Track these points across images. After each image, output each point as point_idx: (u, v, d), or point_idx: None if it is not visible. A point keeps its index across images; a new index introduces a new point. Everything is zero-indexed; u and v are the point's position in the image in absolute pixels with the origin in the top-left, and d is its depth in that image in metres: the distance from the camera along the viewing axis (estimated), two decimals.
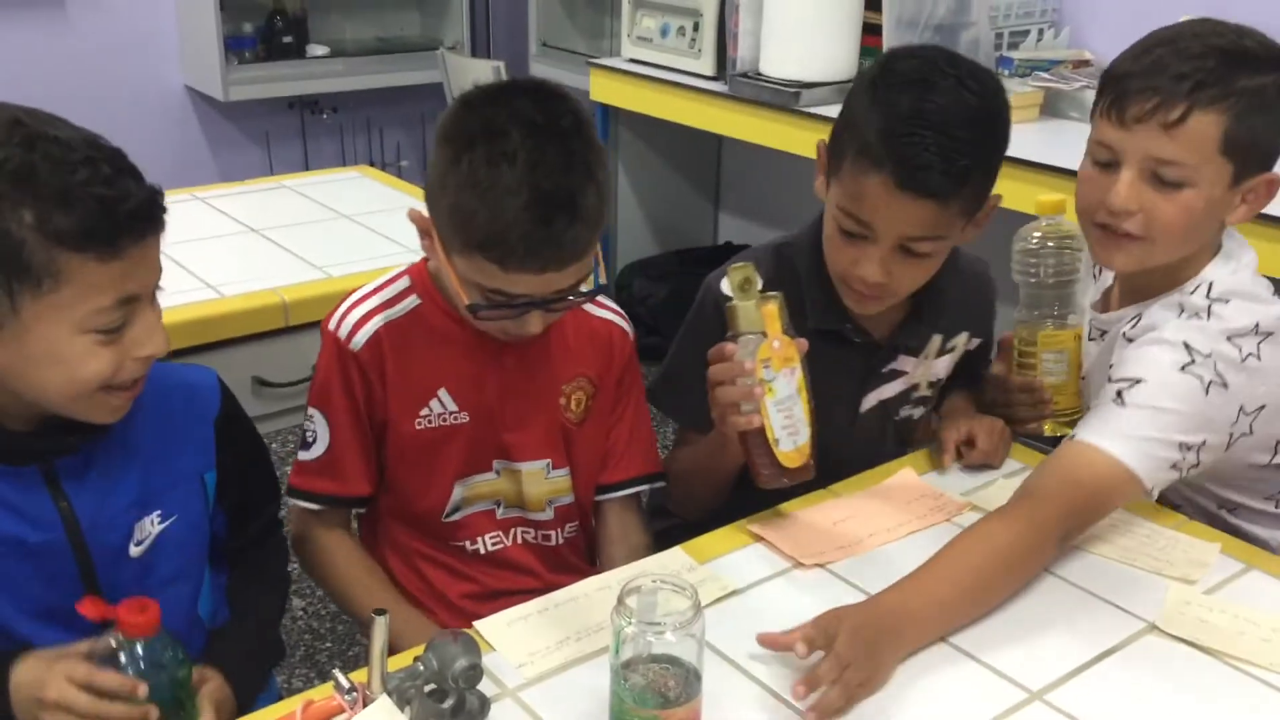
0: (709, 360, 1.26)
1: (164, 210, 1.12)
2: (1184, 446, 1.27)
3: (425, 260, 1.39)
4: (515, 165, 1.18)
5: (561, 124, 1.22)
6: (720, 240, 4.17)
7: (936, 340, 1.49)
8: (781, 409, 1.23)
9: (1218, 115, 1.24)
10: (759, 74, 3.14)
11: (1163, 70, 1.26)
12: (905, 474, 1.45)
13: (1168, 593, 1.23)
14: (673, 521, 1.56)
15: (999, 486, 1.44)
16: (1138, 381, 1.28)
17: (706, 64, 3.32)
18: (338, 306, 1.38)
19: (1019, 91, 2.81)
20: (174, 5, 4.10)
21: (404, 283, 1.38)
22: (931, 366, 1.51)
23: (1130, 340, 1.35)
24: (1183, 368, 1.27)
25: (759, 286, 1.23)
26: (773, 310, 1.23)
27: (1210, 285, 1.33)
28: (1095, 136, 1.33)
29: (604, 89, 3.59)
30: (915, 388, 1.52)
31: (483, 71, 4.02)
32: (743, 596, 1.22)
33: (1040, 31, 3.08)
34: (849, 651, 1.05)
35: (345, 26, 4.45)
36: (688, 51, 3.38)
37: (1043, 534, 1.23)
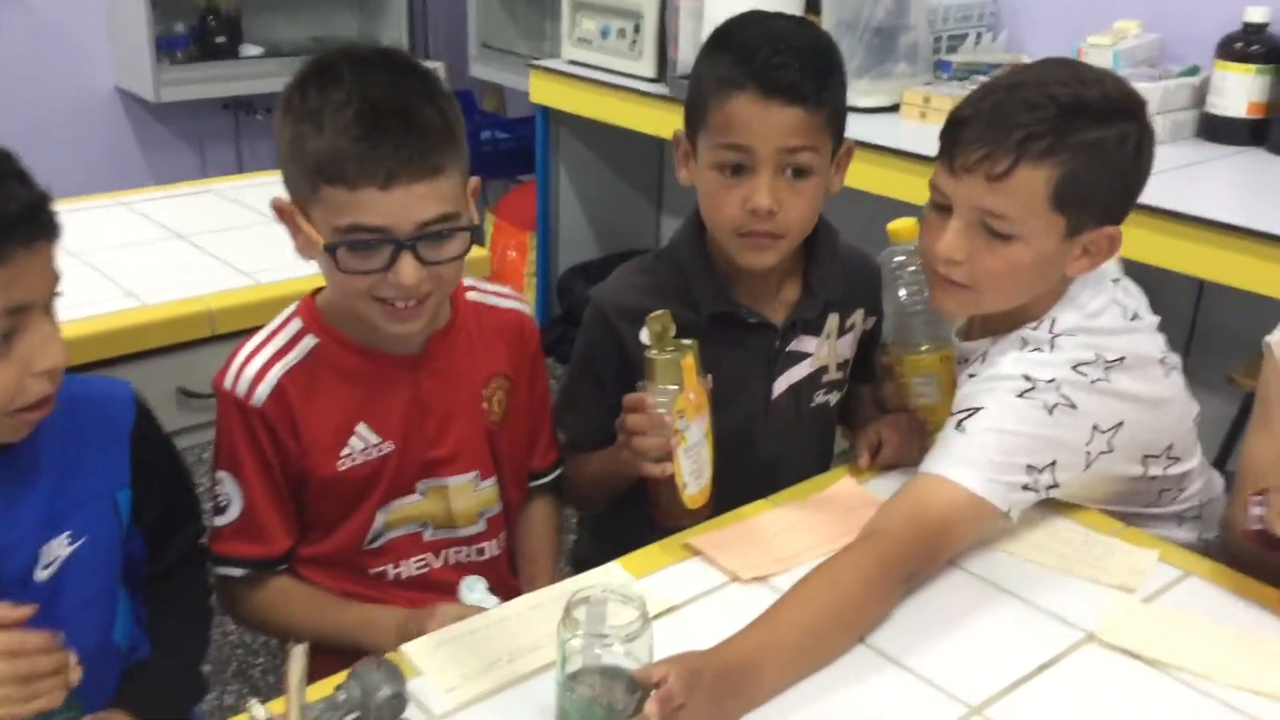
0: (625, 407, 1.29)
1: (53, 215, 1.08)
2: (1032, 469, 1.25)
3: (313, 296, 1.35)
4: (343, 86, 1.19)
5: (396, 58, 1.24)
6: (663, 243, 4.14)
7: (834, 319, 1.49)
8: (690, 455, 1.27)
9: (1048, 169, 1.22)
10: None
11: (996, 118, 1.23)
12: (845, 483, 1.44)
13: (1106, 602, 1.22)
14: (591, 554, 1.55)
15: None
16: (976, 410, 1.26)
17: (647, 66, 3.29)
18: (229, 363, 1.32)
19: (957, 95, 2.80)
20: (103, 4, 4.00)
21: (295, 325, 1.33)
22: (836, 347, 1.51)
23: (972, 376, 1.33)
24: (1021, 394, 1.26)
25: (673, 333, 1.25)
26: (691, 363, 1.25)
27: (1054, 322, 1.32)
28: (933, 180, 1.30)
29: (544, 91, 3.55)
30: (824, 370, 1.51)
31: None
32: (681, 613, 1.20)
33: (979, 35, 3.09)
34: (698, 714, 0.98)
35: (280, 27, 4.37)
36: (628, 53, 3.35)
37: (887, 576, 1.19)
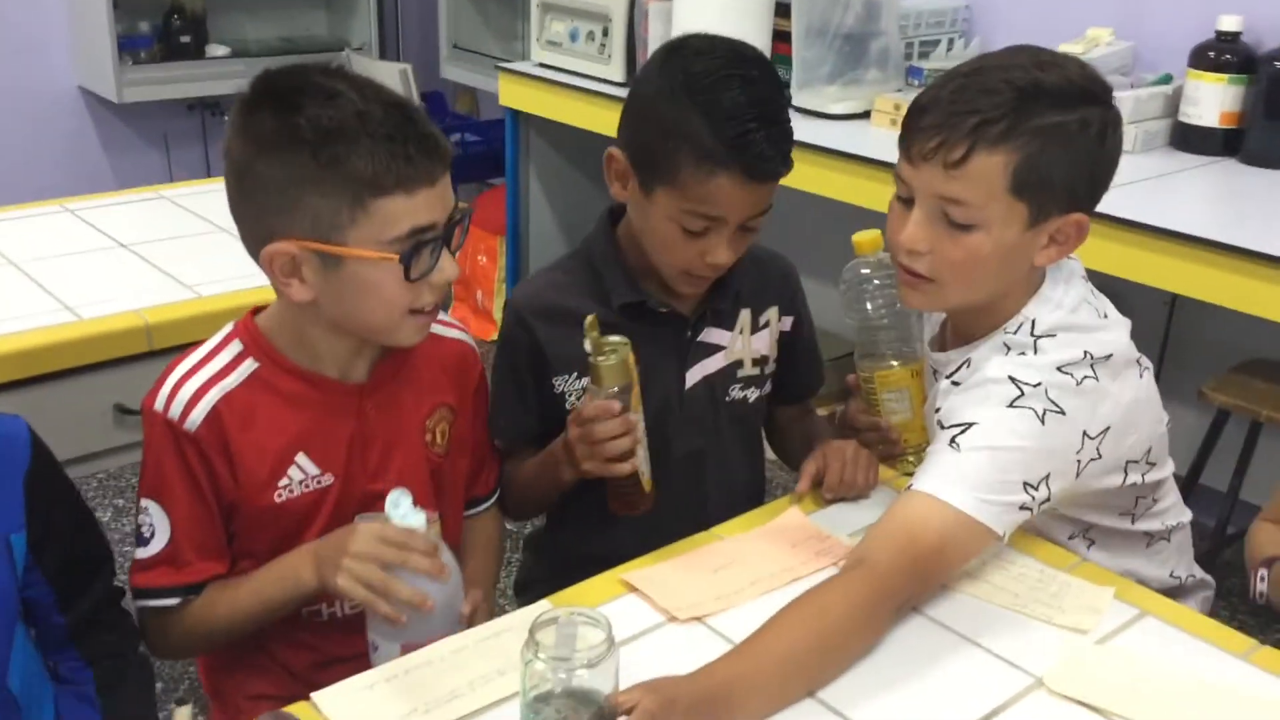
0: (586, 418, 1.29)
1: None
2: (1028, 486, 1.21)
3: (253, 314, 1.29)
4: (347, 98, 1.15)
5: (344, 69, 1.22)
6: None
7: (746, 315, 1.49)
8: (643, 445, 1.30)
9: (1004, 155, 1.18)
10: None
11: (954, 105, 1.20)
12: (791, 514, 1.38)
13: (1059, 644, 1.17)
14: (538, 571, 1.53)
15: None
16: (969, 425, 1.22)
17: (616, 69, 3.24)
18: (161, 383, 1.25)
19: None
20: (65, 3, 3.93)
21: (235, 348, 1.27)
22: (751, 342, 1.50)
23: (957, 385, 1.30)
24: (1012, 402, 1.22)
25: (599, 333, 1.27)
26: (631, 356, 1.26)
27: (1033, 323, 1.28)
28: (896, 169, 1.28)
29: (513, 94, 3.50)
30: (739, 365, 1.50)
31: (388, 74, 3.90)
32: None
33: (950, 41, 3.04)
34: None
35: (247, 26, 4.31)
36: (597, 57, 3.30)
37: (880, 602, 1.15)
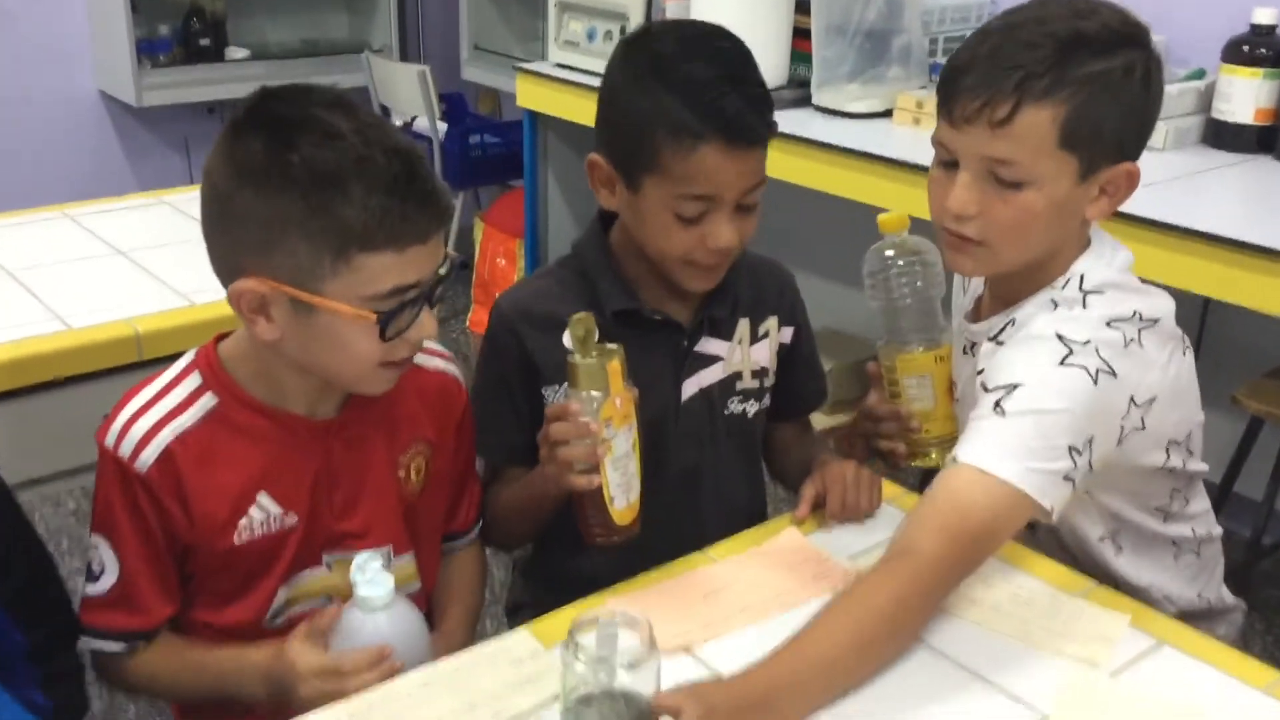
0: (548, 416, 1.19)
1: None
2: (1073, 451, 1.16)
3: (215, 343, 1.23)
4: (347, 141, 1.07)
5: (352, 103, 1.14)
6: None
7: (744, 325, 1.43)
8: (618, 467, 1.19)
9: (1052, 108, 1.15)
10: None
11: (994, 62, 1.17)
12: (788, 534, 1.32)
13: (1069, 677, 1.10)
14: (528, 594, 1.46)
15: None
16: (1015, 387, 1.17)
17: None
18: (114, 417, 1.19)
19: None
20: (85, 8, 3.93)
21: (193, 381, 1.20)
22: (750, 354, 1.43)
23: (1001, 344, 1.25)
24: (1062, 360, 1.18)
25: (596, 337, 1.16)
26: (617, 367, 1.16)
27: (1082, 278, 1.24)
28: (934, 135, 1.24)
29: (531, 95, 3.45)
30: (738, 377, 1.44)
31: (407, 76, 3.87)
32: None
33: None
34: None
35: (267, 28, 4.29)
36: None
37: (927, 594, 1.12)
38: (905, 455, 1.42)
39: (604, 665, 0.92)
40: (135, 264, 1.99)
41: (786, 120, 2.79)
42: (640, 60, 1.29)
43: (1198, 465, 1.35)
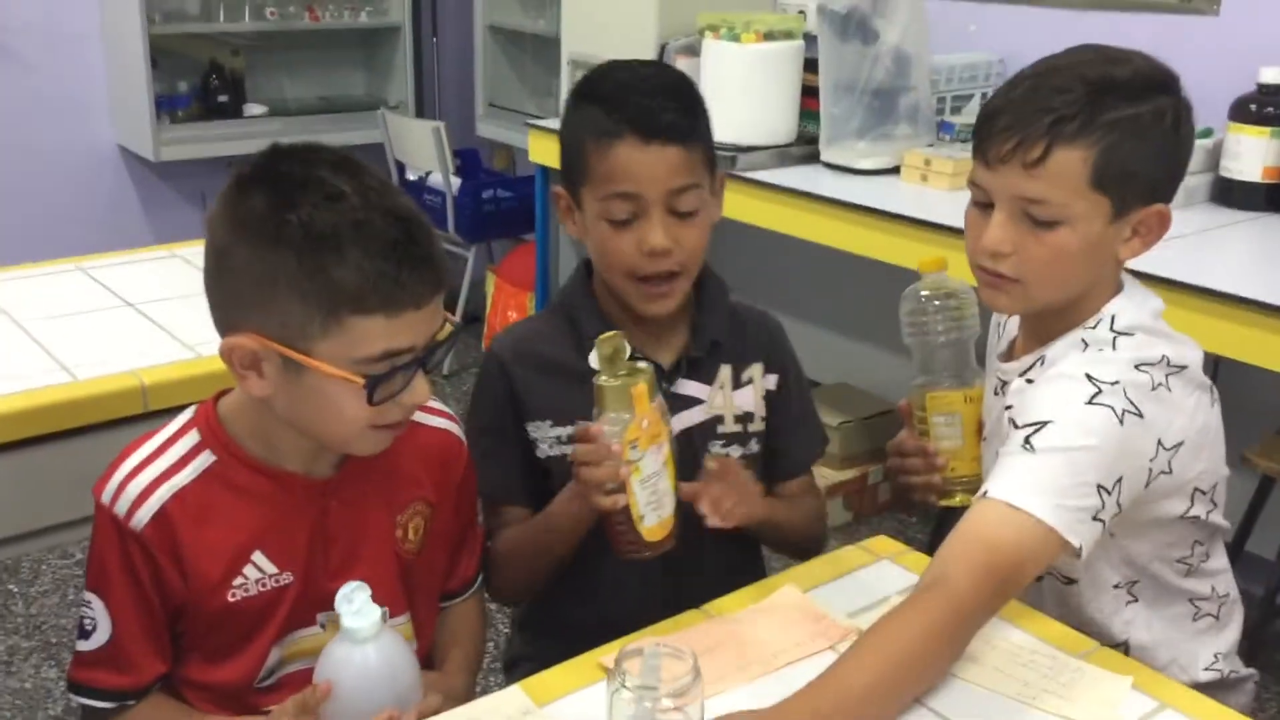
0: (575, 437, 1.25)
1: None
2: (1102, 490, 1.17)
3: (215, 401, 1.23)
4: (349, 200, 1.08)
5: (355, 162, 1.14)
6: None
7: (726, 371, 1.44)
8: (646, 486, 1.22)
9: (1083, 150, 1.19)
10: None
11: (1027, 105, 1.21)
12: (786, 592, 1.30)
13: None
14: (524, 649, 1.45)
15: (892, 605, 1.29)
16: (1045, 424, 1.19)
17: None
18: (111, 473, 1.19)
19: (959, 157, 2.70)
20: (104, 63, 3.99)
21: (191, 438, 1.20)
22: (733, 399, 1.44)
23: (1030, 382, 1.27)
24: (1090, 399, 1.20)
25: (626, 356, 1.19)
26: (643, 390, 1.18)
27: (1113, 318, 1.27)
28: (970, 176, 1.29)
29: (542, 150, 3.48)
30: (719, 420, 1.45)
31: (421, 132, 3.92)
32: None
33: (984, 95, 2.98)
34: None
35: (286, 85, 4.35)
36: None
37: (960, 626, 1.13)
38: (928, 492, 1.42)
39: (649, 693, 0.94)
40: (144, 316, 2.00)
41: (795, 177, 2.85)
42: (579, 87, 1.39)
43: (1220, 520, 1.35)
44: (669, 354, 1.42)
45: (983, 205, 1.26)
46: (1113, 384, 1.20)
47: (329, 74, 4.46)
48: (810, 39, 2.91)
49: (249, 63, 4.18)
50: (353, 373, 1.10)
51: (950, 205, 2.59)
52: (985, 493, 1.18)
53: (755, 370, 1.47)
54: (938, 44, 2.97)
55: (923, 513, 3.21)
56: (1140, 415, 1.20)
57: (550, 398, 1.40)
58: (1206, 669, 1.38)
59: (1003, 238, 1.23)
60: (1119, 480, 1.18)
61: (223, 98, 4.06)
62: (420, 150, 3.96)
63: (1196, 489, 1.30)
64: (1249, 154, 2.46)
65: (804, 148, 2.96)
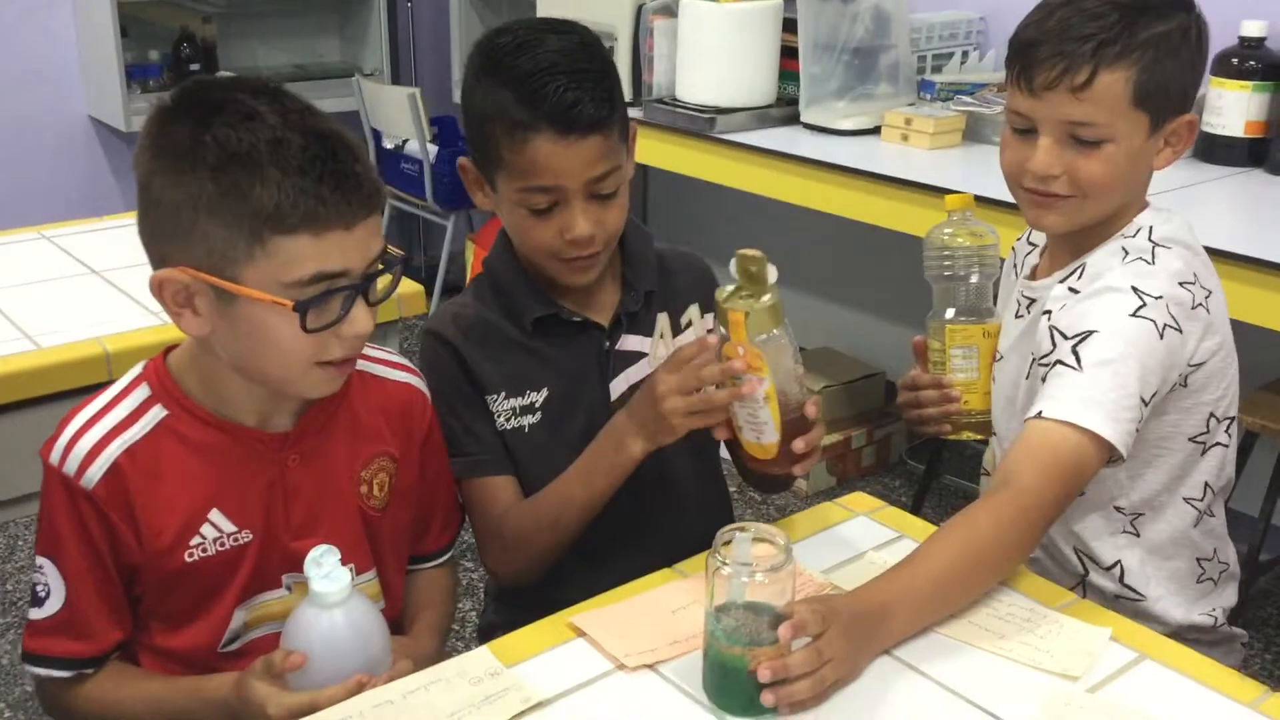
0: (683, 357, 1.22)
1: None
2: (1142, 401, 1.24)
3: (165, 355, 1.20)
4: (265, 120, 1.06)
5: (277, 87, 1.12)
6: None
7: (663, 318, 1.41)
8: (745, 407, 1.20)
9: (1124, 70, 1.25)
10: (675, 99, 3.00)
11: (1066, 33, 1.26)
12: (760, 548, 1.28)
13: (1045, 693, 1.07)
14: (499, 616, 1.43)
15: (866, 561, 1.27)
16: (1090, 334, 1.26)
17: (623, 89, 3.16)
18: (59, 433, 1.16)
19: (940, 116, 2.67)
20: (75, 32, 3.93)
21: (141, 392, 1.17)
22: (674, 346, 1.41)
23: (1075, 292, 1.32)
24: (1135, 312, 1.26)
25: (771, 279, 1.17)
26: (738, 318, 1.15)
27: (1150, 229, 1.32)
28: (1010, 105, 1.33)
29: None
30: None
31: (397, 99, 3.87)
32: (548, 710, 1.05)
33: (964, 54, 2.95)
34: (832, 648, 1.04)
35: (259, 53, 4.29)
36: None
37: (1030, 525, 1.19)
38: (943, 422, 1.46)
39: (743, 569, 1.02)
40: (109, 283, 1.97)
41: (775, 138, 2.82)
42: (483, 58, 1.30)
43: (1230, 462, 1.40)
44: (604, 312, 1.40)
45: (1024, 132, 1.32)
46: (1157, 298, 1.26)
47: (303, 41, 4.39)
48: None
49: (221, 31, 4.11)
50: (283, 297, 1.07)
51: (931, 165, 2.56)
52: (1040, 412, 1.23)
53: (693, 312, 1.45)
54: (917, 2, 2.93)
55: (905, 475, 3.20)
56: (1180, 330, 1.26)
57: (499, 369, 1.37)
58: (1202, 614, 1.40)
59: (1051, 160, 1.29)
60: (1155, 393, 1.26)
61: (194, 66, 3.99)
62: (397, 117, 3.91)
63: (1212, 414, 1.35)
64: (1231, 109, 2.43)
65: (783, 109, 2.93)
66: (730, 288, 1.17)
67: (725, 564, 1.03)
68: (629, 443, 1.27)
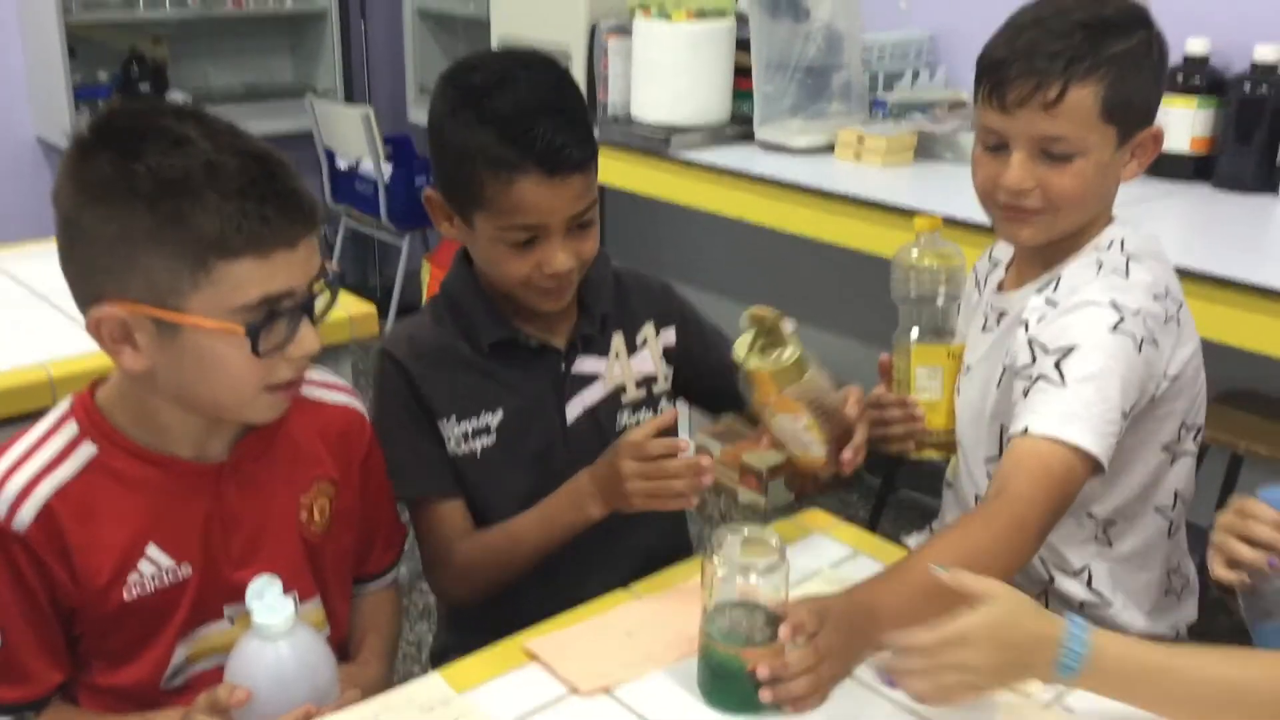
0: (649, 453, 1.24)
1: None
2: (1124, 415, 1.27)
3: (91, 391, 1.17)
4: (197, 147, 1.03)
5: (201, 112, 1.09)
6: None
7: (618, 338, 1.44)
8: (785, 433, 1.25)
9: (1093, 85, 1.28)
10: (630, 118, 3.00)
11: (1035, 51, 1.29)
12: None
13: (1002, 706, 1.06)
14: (452, 640, 1.42)
15: (823, 579, 1.27)
16: (1072, 349, 1.27)
17: None
18: None
19: (892, 134, 2.69)
20: (22, 53, 3.88)
21: (69, 430, 1.14)
22: (630, 366, 1.44)
23: (1053, 305, 1.33)
24: (1115, 326, 1.27)
25: (789, 329, 1.20)
26: (764, 377, 1.19)
27: (1122, 242, 1.35)
28: (981, 122, 1.36)
29: None
30: (621, 391, 1.44)
31: (350, 118, 3.85)
32: None
33: (915, 73, 2.97)
34: (828, 646, 1.07)
35: (210, 72, 4.26)
36: None
37: (1025, 533, 1.21)
38: (907, 441, 1.46)
39: (739, 570, 1.05)
40: (55, 308, 1.93)
41: (730, 156, 2.82)
42: (455, 93, 1.30)
43: (1191, 476, 1.43)
44: (562, 336, 1.41)
45: (995, 148, 1.34)
46: (1135, 312, 1.28)
47: (255, 61, 4.36)
48: (742, 18, 2.89)
49: (172, 51, 4.08)
50: (232, 323, 1.05)
51: (884, 182, 2.57)
52: (1026, 429, 1.25)
53: (648, 330, 1.46)
54: (869, 22, 2.95)
55: (864, 490, 3.21)
56: (1156, 345, 1.29)
57: (452, 393, 1.37)
58: (1165, 628, 1.43)
59: (1024, 175, 1.31)
60: (1133, 406, 1.28)
61: (144, 86, 3.96)
62: (350, 137, 3.89)
63: (1183, 423, 1.38)
64: (1176, 125, 2.46)
65: (738, 127, 2.94)
66: (745, 340, 1.20)
67: (720, 565, 1.05)
68: (588, 505, 1.30)
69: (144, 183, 1.01)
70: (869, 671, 1.12)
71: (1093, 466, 1.24)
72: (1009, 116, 1.30)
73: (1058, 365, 1.27)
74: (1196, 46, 2.44)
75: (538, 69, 1.30)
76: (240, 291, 1.04)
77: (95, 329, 1.07)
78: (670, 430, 1.29)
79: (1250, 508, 1.16)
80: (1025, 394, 1.29)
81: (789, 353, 1.18)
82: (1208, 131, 2.45)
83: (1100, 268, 1.33)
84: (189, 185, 1.02)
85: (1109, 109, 1.29)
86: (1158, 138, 1.36)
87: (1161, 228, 2.32)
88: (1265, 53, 2.38)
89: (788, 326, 1.18)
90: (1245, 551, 1.15)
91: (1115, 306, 1.28)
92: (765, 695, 1.04)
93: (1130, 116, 1.31)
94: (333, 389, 1.29)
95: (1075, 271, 1.34)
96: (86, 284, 1.08)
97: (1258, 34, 2.42)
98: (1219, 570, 1.18)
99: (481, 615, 1.39)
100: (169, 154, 1.02)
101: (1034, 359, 1.30)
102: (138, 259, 1.03)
